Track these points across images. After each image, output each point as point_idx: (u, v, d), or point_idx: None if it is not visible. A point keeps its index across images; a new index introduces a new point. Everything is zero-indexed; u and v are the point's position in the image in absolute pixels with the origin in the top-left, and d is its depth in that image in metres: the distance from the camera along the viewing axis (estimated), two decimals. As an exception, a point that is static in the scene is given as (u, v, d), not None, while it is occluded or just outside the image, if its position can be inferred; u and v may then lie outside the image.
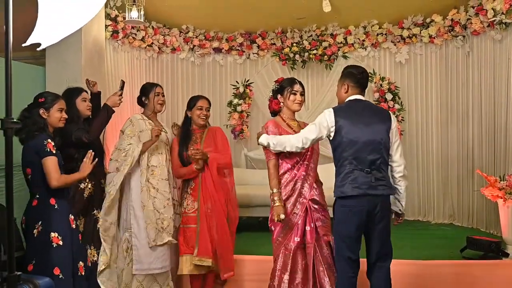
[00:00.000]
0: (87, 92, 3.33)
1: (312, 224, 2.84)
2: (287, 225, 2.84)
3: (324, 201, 2.95)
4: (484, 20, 4.84)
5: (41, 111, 2.68)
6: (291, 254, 2.80)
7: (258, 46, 6.19)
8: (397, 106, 5.72)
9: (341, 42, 5.95)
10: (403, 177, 2.71)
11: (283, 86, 3.00)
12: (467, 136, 5.39)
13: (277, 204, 2.77)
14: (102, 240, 3.09)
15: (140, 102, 3.44)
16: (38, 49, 1.38)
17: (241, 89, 6.14)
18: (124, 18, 4.85)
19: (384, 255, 2.64)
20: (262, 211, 4.75)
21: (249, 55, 6.26)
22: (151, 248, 3.16)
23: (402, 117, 5.78)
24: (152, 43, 5.82)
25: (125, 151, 3.16)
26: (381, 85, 5.78)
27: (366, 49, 5.94)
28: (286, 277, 2.80)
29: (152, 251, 3.17)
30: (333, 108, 2.69)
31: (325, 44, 5.93)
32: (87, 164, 2.75)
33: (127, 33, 5.34)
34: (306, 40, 6.00)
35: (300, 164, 2.90)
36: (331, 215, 2.96)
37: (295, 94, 2.96)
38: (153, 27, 5.79)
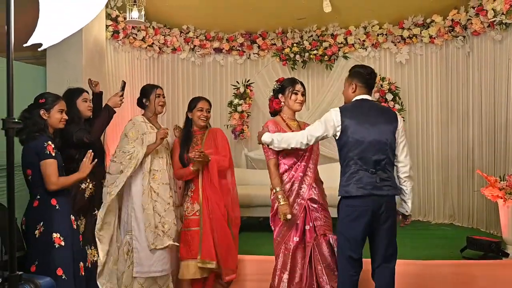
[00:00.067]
0: (88, 92, 3.33)
1: (311, 224, 2.85)
2: (285, 225, 2.85)
3: (324, 201, 2.95)
4: (484, 21, 4.84)
5: (42, 112, 2.68)
6: (291, 254, 2.81)
7: (259, 46, 6.19)
8: (397, 106, 5.72)
9: (341, 43, 5.94)
10: (408, 177, 2.70)
11: (284, 86, 3.00)
12: (467, 136, 5.39)
13: (282, 203, 2.77)
14: (97, 239, 3.07)
15: (140, 103, 3.43)
16: (39, 49, 1.39)
17: (242, 89, 6.14)
18: (125, 18, 4.85)
19: (389, 256, 2.64)
20: (262, 211, 4.75)
21: (249, 55, 6.26)
22: (151, 251, 3.16)
23: (402, 117, 5.72)
24: (153, 43, 5.83)
25: (130, 154, 3.15)
26: (381, 85, 5.78)
27: (366, 50, 5.94)
28: (285, 276, 2.81)
29: (153, 254, 3.17)
30: (340, 108, 2.68)
31: (325, 44, 5.94)
32: (86, 164, 2.75)
33: (128, 33, 5.35)
34: (306, 40, 6.00)
35: (298, 165, 2.90)
36: (332, 215, 2.98)
37: (296, 94, 2.96)
38: (153, 27, 5.80)
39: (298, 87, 2.98)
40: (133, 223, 3.20)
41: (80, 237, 2.86)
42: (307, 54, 5.96)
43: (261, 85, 6.11)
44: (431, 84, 5.79)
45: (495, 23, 4.68)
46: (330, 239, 2.81)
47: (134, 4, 4.58)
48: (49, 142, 2.61)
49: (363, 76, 2.72)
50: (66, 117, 2.81)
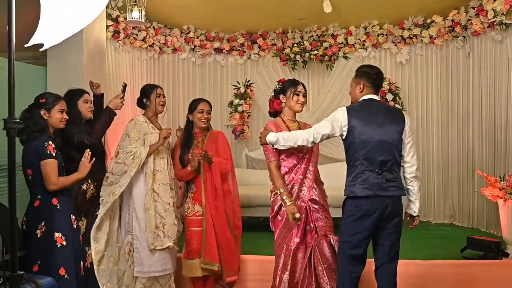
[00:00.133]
0: (89, 93, 3.33)
1: (312, 224, 2.85)
2: (286, 227, 2.85)
3: (324, 201, 2.95)
4: (485, 21, 4.85)
5: (42, 112, 2.68)
6: (291, 254, 2.81)
7: (259, 47, 6.19)
8: (397, 107, 5.72)
9: (341, 43, 5.95)
10: (415, 177, 2.69)
11: (286, 86, 3.00)
12: (467, 136, 5.39)
13: (288, 203, 2.76)
14: (92, 239, 3.04)
15: (140, 103, 3.43)
16: (40, 49, 1.39)
17: (242, 90, 6.14)
18: (125, 18, 4.86)
19: (392, 256, 2.65)
20: (263, 211, 4.76)
21: (250, 55, 6.26)
22: (151, 251, 3.17)
23: (404, 117, 5.77)
24: (153, 43, 5.83)
25: (132, 154, 3.15)
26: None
27: (366, 50, 5.94)
28: (286, 276, 2.81)
29: (153, 254, 3.18)
30: (347, 107, 2.67)
31: (325, 44, 5.94)
32: (85, 164, 2.75)
33: (128, 34, 5.35)
34: (306, 40, 6.01)
35: (298, 168, 2.90)
36: (332, 215, 2.98)
37: (298, 94, 2.97)
38: (154, 28, 5.80)
39: (300, 88, 2.99)
40: (134, 223, 3.20)
41: (80, 237, 2.87)
42: (307, 54, 5.96)
43: (261, 85, 6.11)
44: (431, 84, 5.79)
45: (495, 23, 4.68)
46: (331, 239, 2.81)
47: (134, 5, 4.59)
48: (50, 142, 2.62)
49: (371, 76, 2.71)
50: (67, 117, 2.82)
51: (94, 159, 2.79)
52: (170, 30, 6.00)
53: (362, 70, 2.78)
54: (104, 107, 3.37)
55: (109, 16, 4.95)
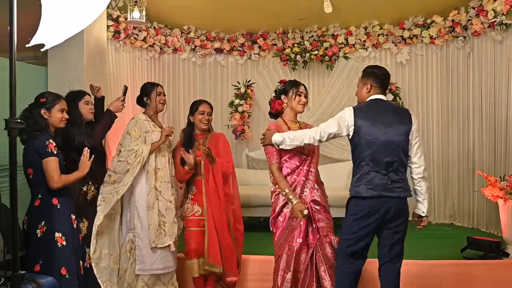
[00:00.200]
0: (90, 95, 3.33)
1: (314, 225, 2.85)
2: (288, 228, 2.85)
3: (325, 202, 2.95)
4: (485, 21, 4.85)
5: (42, 111, 2.68)
6: (294, 255, 2.82)
7: (259, 47, 6.20)
8: (398, 107, 5.73)
9: (342, 43, 5.95)
10: (422, 178, 2.69)
11: (288, 87, 3.01)
12: (467, 136, 5.40)
13: (295, 202, 2.76)
14: (92, 236, 3.05)
15: (141, 102, 3.43)
16: (41, 49, 1.40)
17: (243, 90, 6.14)
18: (126, 18, 4.86)
19: (396, 256, 2.65)
20: (263, 211, 4.76)
21: (250, 55, 6.26)
22: (152, 249, 3.17)
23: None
24: (154, 43, 5.84)
25: (134, 152, 3.16)
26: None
27: (367, 50, 5.94)
28: (288, 276, 2.81)
29: (154, 252, 3.18)
30: (354, 107, 2.68)
31: (326, 44, 5.94)
32: (84, 162, 2.75)
33: (129, 34, 5.36)
34: (307, 40, 6.01)
35: (300, 170, 2.90)
36: (333, 215, 2.98)
37: (300, 95, 2.97)
38: (154, 28, 5.80)
39: (302, 88, 3.00)
40: (136, 221, 3.20)
41: (80, 237, 2.86)
42: (307, 54, 5.96)
43: (262, 86, 6.12)
44: (431, 84, 5.79)
45: (495, 23, 4.68)
46: (333, 240, 2.81)
47: (135, 5, 4.59)
48: (51, 140, 2.62)
49: (378, 76, 2.72)
50: (67, 117, 2.82)
51: (93, 156, 2.79)
52: (170, 30, 6.00)
53: (370, 71, 2.78)
54: (104, 110, 3.37)
55: (109, 16, 4.96)
